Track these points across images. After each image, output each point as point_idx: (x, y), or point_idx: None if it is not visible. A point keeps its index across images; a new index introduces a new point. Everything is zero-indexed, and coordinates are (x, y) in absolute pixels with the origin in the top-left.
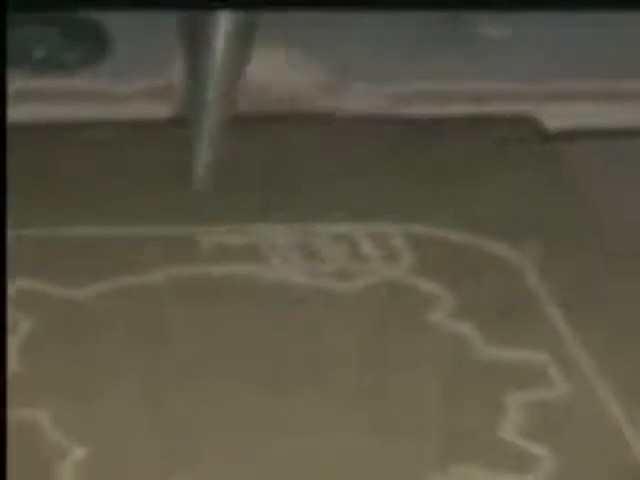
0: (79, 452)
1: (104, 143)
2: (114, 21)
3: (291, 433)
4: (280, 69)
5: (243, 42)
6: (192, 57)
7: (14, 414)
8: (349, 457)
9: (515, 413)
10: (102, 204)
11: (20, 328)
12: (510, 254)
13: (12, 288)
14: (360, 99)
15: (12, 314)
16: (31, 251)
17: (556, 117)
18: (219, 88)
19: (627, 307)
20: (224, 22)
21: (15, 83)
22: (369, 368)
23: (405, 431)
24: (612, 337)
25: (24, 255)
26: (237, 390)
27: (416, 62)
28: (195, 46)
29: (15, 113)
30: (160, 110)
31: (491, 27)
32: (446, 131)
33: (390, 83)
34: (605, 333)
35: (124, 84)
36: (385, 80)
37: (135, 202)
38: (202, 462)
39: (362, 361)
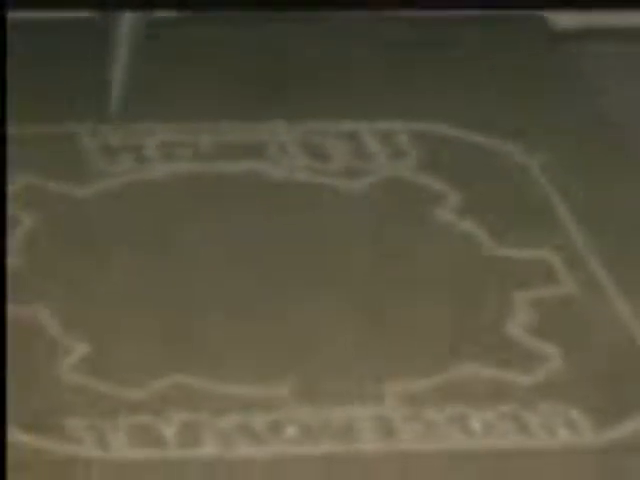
0: (81, 348)
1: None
2: None
3: (295, 330)
4: None
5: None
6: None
7: (15, 310)
8: (350, 352)
9: (522, 311)
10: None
11: (22, 224)
12: (519, 154)
13: (12, 185)
14: None
15: (14, 211)
16: (27, 149)
17: (566, 17)
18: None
19: (637, 208)
20: (125, 23)
21: None
22: (373, 264)
23: (409, 328)
24: (621, 237)
25: (21, 152)
26: (240, 289)
27: None
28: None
29: None
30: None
31: None
32: (455, 32)
33: None
34: (614, 233)
35: None
36: None
37: (132, 99)
38: (203, 359)
39: (367, 258)
